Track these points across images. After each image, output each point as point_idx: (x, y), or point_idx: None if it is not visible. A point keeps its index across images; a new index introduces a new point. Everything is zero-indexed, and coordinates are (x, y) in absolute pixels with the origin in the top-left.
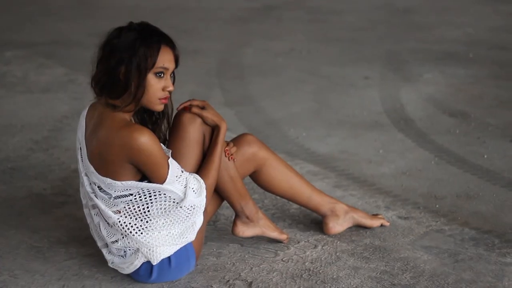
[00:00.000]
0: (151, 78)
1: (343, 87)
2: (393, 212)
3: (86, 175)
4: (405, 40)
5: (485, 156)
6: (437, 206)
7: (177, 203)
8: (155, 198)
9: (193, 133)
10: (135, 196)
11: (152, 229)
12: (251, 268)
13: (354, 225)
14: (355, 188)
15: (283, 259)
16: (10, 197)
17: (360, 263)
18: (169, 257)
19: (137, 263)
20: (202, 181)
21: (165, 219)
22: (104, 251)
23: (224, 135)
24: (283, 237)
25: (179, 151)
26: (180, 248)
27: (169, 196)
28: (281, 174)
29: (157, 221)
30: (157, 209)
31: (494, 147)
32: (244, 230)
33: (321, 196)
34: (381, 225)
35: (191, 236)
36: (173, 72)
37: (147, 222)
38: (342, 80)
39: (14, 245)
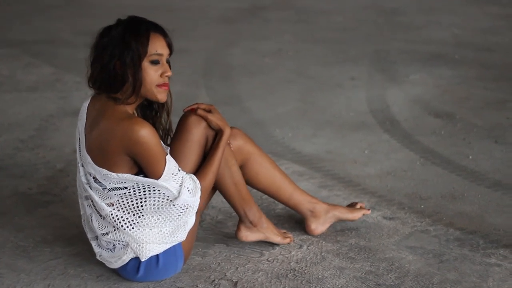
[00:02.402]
0: (146, 66)
1: (329, 87)
2: (378, 213)
3: (83, 165)
4: (392, 40)
5: (470, 157)
6: (422, 206)
7: (171, 200)
8: (149, 194)
9: (196, 135)
10: (129, 189)
11: (144, 225)
12: (237, 268)
13: (337, 221)
14: (341, 189)
15: (269, 259)
16: None
17: (345, 263)
18: (157, 256)
19: (125, 258)
20: (198, 181)
21: (157, 216)
22: (93, 243)
23: (227, 139)
24: (286, 241)
25: (180, 151)
26: (169, 248)
27: (163, 193)
28: (265, 170)
29: (149, 217)
30: (150, 205)
31: (480, 148)
32: (248, 235)
33: (302, 195)
34: (363, 215)
35: (181, 236)
36: (168, 60)
37: (139, 217)
38: (329, 81)
39: None
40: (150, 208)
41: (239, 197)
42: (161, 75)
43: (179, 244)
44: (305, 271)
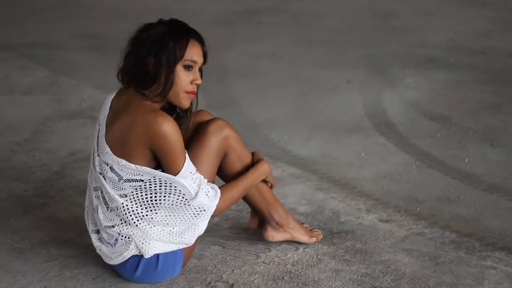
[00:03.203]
0: (179, 70)
1: (325, 90)
2: (374, 215)
3: (99, 155)
4: (387, 43)
5: (466, 160)
6: (417, 209)
7: (186, 199)
8: (165, 189)
9: (215, 144)
10: (145, 182)
11: (154, 221)
12: (233, 270)
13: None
14: (336, 191)
15: (265, 261)
16: None
17: (341, 265)
18: (157, 258)
19: (126, 254)
20: (219, 191)
21: (170, 213)
22: (94, 236)
23: (262, 174)
24: (312, 240)
25: (196, 157)
26: (170, 251)
27: (179, 191)
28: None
29: (161, 213)
30: (164, 200)
31: (475, 151)
32: (274, 235)
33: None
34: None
35: (189, 239)
36: (201, 68)
37: (151, 211)
38: (324, 84)
39: None
40: (164, 204)
41: (263, 201)
42: (191, 82)
43: (180, 249)
44: (301, 274)
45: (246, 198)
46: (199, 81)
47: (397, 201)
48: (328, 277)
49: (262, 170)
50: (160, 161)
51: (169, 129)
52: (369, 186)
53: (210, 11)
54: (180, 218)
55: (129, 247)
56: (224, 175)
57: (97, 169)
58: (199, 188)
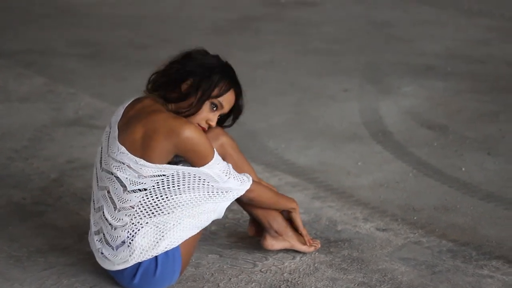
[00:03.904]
0: (206, 104)
1: (322, 98)
2: (371, 224)
3: (109, 155)
4: (384, 52)
5: (463, 169)
6: (415, 218)
7: (212, 186)
8: (188, 179)
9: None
10: (168, 176)
11: (175, 204)
12: (230, 278)
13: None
14: (334, 200)
15: (262, 270)
16: None
17: (338, 274)
18: (156, 265)
19: (130, 259)
20: (251, 177)
21: (193, 195)
22: (96, 238)
23: (291, 203)
24: (311, 249)
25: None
26: (168, 259)
27: (203, 179)
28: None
29: (183, 197)
30: (188, 188)
31: (472, 160)
32: (273, 244)
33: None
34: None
35: (203, 221)
36: (221, 115)
37: (172, 198)
38: (322, 92)
39: None
40: (188, 190)
41: (262, 210)
42: (207, 120)
43: (178, 256)
44: (298, 282)
45: (245, 208)
46: (213, 124)
47: (394, 209)
48: (325, 286)
49: (292, 201)
50: (190, 163)
51: (193, 132)
52: (366, 194)
53: (206, 19)
54: (203, 198)
55: (133, 252)
56: None
57: (107, 168)
58: (228, 176)
